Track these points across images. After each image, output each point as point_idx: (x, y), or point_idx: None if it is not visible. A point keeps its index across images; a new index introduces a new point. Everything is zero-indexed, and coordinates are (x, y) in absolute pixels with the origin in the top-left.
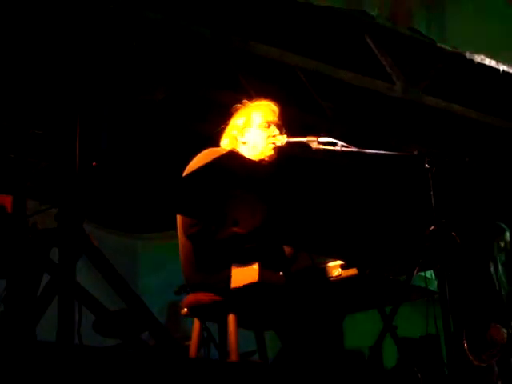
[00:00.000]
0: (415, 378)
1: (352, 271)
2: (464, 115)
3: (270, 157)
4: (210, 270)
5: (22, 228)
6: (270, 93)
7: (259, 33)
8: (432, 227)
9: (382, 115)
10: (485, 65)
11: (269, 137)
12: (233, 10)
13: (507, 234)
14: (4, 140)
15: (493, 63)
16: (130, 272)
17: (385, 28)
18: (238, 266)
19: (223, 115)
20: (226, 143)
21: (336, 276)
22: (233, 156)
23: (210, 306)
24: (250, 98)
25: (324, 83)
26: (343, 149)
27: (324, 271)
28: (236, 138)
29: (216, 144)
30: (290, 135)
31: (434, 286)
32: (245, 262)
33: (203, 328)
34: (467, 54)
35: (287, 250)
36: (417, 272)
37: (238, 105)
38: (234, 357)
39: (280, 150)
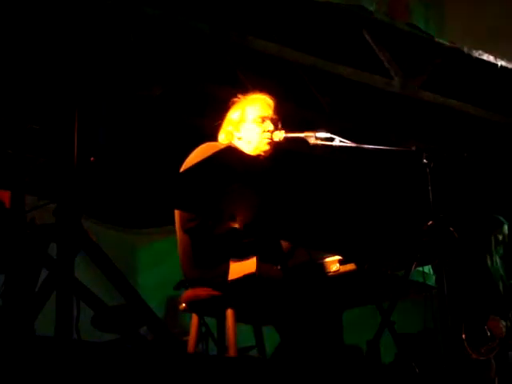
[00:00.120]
0: (413, 373)
1: (350, 266)
2: (462, 110)
3: (265, 152)
4: (208, 265)
5: (20, 223)
6: (268, 88)
7: (257, 28)
8: (430, 222)
9: (379, 110)
10: (483, 60)
11: (264, 132)
12: (231, 5)
13: (505, 227)
14: (2, 135)
15: (491, 58)
16: (129, 267)
17: (383, 23)
18: (235, 261)
19: (221, 110)
20: (222, 138)
21: (334, 271)
22: (230, 151)
23: (208, 300)
24: (247, 92)
25: (322, 78)
26: (341, 144)
27: (322, 266)
28: (232, 133)
29: (214, 139)
30: (287, 130)
31: (432, 280)
32: (243, 256)
33: (201, 323)
34: (465, 49)
35: (285, 245)
36: (415, 267)
37: (235, 99)
38: (232, 352)
39: (278, 146)
